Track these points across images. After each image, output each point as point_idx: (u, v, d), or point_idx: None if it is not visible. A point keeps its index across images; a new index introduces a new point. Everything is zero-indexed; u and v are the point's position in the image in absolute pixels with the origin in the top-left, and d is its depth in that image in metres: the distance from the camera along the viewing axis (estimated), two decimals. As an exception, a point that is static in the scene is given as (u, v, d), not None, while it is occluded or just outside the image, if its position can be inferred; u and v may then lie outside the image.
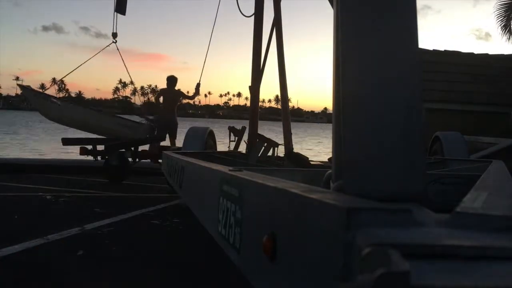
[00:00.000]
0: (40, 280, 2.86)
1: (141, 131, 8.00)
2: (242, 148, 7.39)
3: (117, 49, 8.92)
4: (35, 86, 9.50)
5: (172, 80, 8.55)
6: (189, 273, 3.15)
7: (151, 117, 8.37)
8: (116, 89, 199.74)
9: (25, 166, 8.11)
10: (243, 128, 7.60)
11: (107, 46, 8.99)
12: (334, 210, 0.59)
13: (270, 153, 7.06)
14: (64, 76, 8.97)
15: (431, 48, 12.22)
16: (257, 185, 0.97)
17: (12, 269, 3.01)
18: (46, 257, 3.32)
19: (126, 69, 9.27)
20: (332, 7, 1.49)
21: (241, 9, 7.79)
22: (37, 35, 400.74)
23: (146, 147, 7.81)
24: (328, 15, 1.96)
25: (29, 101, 8.57)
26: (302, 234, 0.69)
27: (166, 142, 8.05)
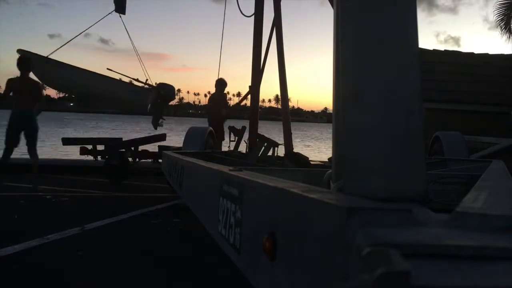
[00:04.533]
0: (40, 280, 2.86)
1: (149, 98, 8.42)
2: (242, 148, 7.40)
3: (122, 21, 8.76)
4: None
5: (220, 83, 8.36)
6: (190, 273, 3.15)
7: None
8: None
9: (25, 166, 8.10)
10: (243, 128, 7.59)
11: (108, 13, 8.65)
12: (334, 210, 0.59)
13: (270, 153, 7.06)
14: (53, 52, 8.39)
15: (431, 48, 12.23)
16: (257, 185, 0.97)
17: (12, 269, 3.01)
18: (46, 257, 3.32)
19: (132, 44, 9.09)
20: (332, 7, 1.49)
21: (241, 9, 7.79)
22: (40, 40, 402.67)
23: (146, 147, 7.81)
24: (328, 15, 1.96)
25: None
26: (302, 234, 0.69)
27: (167, 142, 8.05)
